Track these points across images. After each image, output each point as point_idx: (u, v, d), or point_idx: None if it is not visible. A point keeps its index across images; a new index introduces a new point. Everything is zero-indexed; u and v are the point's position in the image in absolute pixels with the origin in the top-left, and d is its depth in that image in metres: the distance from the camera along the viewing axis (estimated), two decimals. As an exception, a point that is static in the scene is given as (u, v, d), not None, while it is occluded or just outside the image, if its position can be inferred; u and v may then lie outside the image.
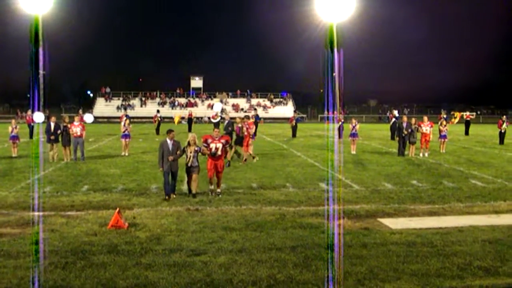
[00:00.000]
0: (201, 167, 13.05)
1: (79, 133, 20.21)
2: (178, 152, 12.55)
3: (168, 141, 12.51)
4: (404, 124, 22.63)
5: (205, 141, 12.89)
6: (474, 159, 21.48)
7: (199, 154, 12.76)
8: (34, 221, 10.21)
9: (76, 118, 21.27)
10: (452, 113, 38.54)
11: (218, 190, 13.04)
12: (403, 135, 22.47)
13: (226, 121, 21.25)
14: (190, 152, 12.55)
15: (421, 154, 22.23)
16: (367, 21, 77.06)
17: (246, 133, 20.11)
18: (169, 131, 12.74)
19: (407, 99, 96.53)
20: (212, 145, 12.84)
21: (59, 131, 20.03)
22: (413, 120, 22.90)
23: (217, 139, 12.97)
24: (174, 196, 12.60)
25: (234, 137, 20.53)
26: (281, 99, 78.75)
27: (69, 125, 20.38)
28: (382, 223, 10.34)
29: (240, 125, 20.43)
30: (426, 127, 22.65)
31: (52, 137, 19.98)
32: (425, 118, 23.37)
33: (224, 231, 9.53)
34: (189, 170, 12.70)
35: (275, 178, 15.92)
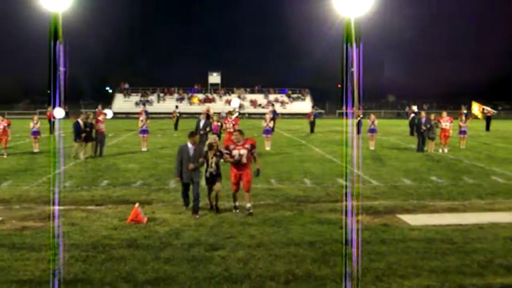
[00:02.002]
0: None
1: (103, 129, 20.44)
2: (201, 160, 10.52)
3: (190, 145, 10.51)
4: (423, 120, 22.47)
5: (226, 148, 10.78)
6: (495, 155, 21.21)
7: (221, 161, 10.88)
8: (55, 215, 10.35)
9: (101, 115, 21.36)
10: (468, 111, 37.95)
11: (248, 205, 10.59)
12: (422, 130, 22.33)
13: (203, 121, 19.52)
14: (212, 158, 10.61)
15: (440, 150, 22.01)
16: (385, 16, 76.38)
17: (231, 129, 19.21)
18: (192, 134, 10.75)
19: (426, 94, 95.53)
20: (235, 152, 10.61)
21: (87, 129, 19.96)
22: (432, 116, 22.70)
23: (240, 144, 10.70)
24: (197, 216, 10.27)
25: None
26: (299, 95, 78.51)
27: (94, 122, 20.45)
28: (401, 219, 10.28)
29: (217, 122, 19.54)
30: (446, 122, 22.40)
31: (83, 135, 19.61)
32: (444, 113, 23.15)
33: (242, 226, 9.55)
34: (210, 180, 10.72)
35: (293, 173, 15.91)
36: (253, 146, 10.82)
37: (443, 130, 22.29)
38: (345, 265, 7.48)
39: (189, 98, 75.53)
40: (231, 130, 19.30)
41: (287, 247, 8.36)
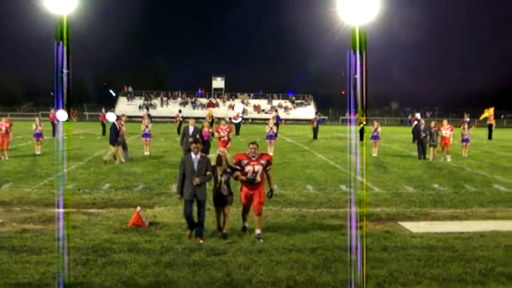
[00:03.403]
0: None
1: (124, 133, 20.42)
2: (208, 173, 8.93)
3: (193, 156, 8.90)
4: (422, 127, 22.55)
5: (238, 163, 9.14)
6: (498, 164, 21.17)
7: (232, 179, 9.29)
8: (56, 218, 10.34)
9: (123, 118, 21.07)
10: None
11: (258, 231, 9.14)
12: (421, 137, 22.41)
13: (191, 128, 17.46)
14: (221, 175, 9.06)
15: (442, 158, 21.94)
16: (389, 23, 76.46)
17: (225, 138, 18.21)
18: (196, 141, 9.36)
19: (429, 102, 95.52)
20: (248, 168, 9.07)
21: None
22: (433, 123, 22.62)
23: (254, 158, 9.15)
24: (201, 241, 8.78)
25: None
26: (303, 101, 78.55)
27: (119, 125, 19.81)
28: (403, 226, 10.25)
29: (207, 128, 17.87)
30: (446, 130, 22.25)
31: (120, 139, 19.30)
32: (445, 121, 23.07)
33: (244, 232, 9.54)
34: (218, 201, 9.17)
35: (295, 179, 15.89)
36: (268, 162, 9.26)
37: (443, 138, 22.14)
38: (347, 272, 7.45)
39: (192, 103, 75.60)
40: (225, 138, 18.25)
41: (289, 253, 8.33)
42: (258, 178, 9.11)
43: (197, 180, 8.73)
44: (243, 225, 9.62)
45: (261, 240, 8.94)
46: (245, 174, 9.09)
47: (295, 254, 8.29)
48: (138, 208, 10.05)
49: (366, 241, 9.02)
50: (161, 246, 8.52)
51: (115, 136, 18.97)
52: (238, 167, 9.13)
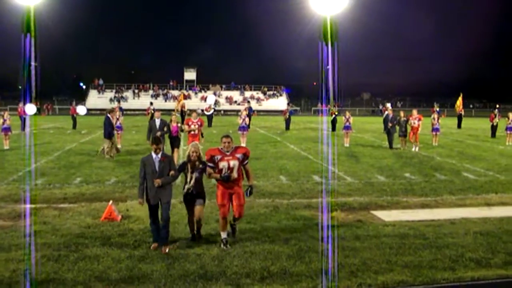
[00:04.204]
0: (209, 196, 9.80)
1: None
2: (172, 173, 8.10)
3: (154, 156, 8.08)
4: (390, 117, 22.84)
5: (211, 159, 8.20)
6: (467, 152, 21.57)
7: (204, 177, 8.53)
8: (26, 213, 10.16)
9: (117, 110, 20.67)
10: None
11: (234, 224, 8.65)
12: (388, 127, 22.70)
13: (158, 121, 16.36)
14: (191, 173, 8.32)
15: (413, 148, 22.24)
16: (360, 14, 76.98)
17: (196, 131, 16.72)
18: (156, 141, 8.26)
19: (400, 92, 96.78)
20: (223, 164, 8.15)
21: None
22: (402, 113, 22.81)
23: (229, 153, 8.23)
24: (167, 250, 7.94)
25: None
26: (275, 92, 78.66)
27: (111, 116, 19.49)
28: (375, 215, 10.37)
29: (176, 123, 16.73)
30: (414, 120, 22.48)
31: (114, 132, 19.11)
32: (414, 111, 23.31)
33: (217, 224, 9.50)
34: (189, 200, 8.44)
35: (268, 170, 15.92)
36: (245, 156, 8.36)
37: (412, 128, 22.41)
38: (321, 261, 7.51)
39: (164, 95, 75.01)
40: (196, 132, 16.77)
41: (263, 244, 8.35)
42: (235, 174, 8.15)
43: (158, 181, 7.87)
44: (222, 238, 8.22)
45: (235, 234, 8.57)
46: (220, 171, 8.13)
47: (269, 245, 8.31)
48: (111, 202, 9.95)
49: (339, 231, 9.10)
50: (134, 240, 8.46)
51: (109, 128, 18.79)
52: (211, 164, 8.18)
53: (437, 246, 8.32)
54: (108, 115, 19.19)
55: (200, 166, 8.34)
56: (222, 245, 8.08)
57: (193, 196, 8.37)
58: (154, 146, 8.09)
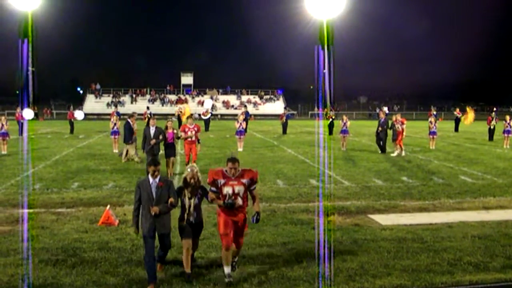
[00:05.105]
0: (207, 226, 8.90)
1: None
2: (171, 201, 6.93)
3: (151, 180, 6.92)
4: (381, 121, 22.67)
5: (213, 183, 7.13)
6: (464, 156, 21.60)
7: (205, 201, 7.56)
8: (24, 218, 10.14)
9: (135, 115, 20.65)
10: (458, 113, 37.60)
11: (233, 261, 7.43)
12: (378, 131, 22.59)
13: (153, 128, 15.16)
14: (189, 199, 7.29)
15: (395, 153, 21.50)
16: (357, 18, 77.24)
17: (193, 138, 16.09)
18: (154, 163, 7.00)
19: (397, 96, 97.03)
20: (226, 190, 7.08)
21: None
22: (394, 118, 22.59)
23: (234, 178, 7.13)
24: (162, 271, 7.31)
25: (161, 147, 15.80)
26: (272, 96, 78.73)
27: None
28: (373, 219, 10.38)
29: (172, 130, 15.75)
30: (397, 124, 21.84)
31: (134, 136, 19.06)
32: (397, 115, 22.79)
33: (215, 228, 9.50)
34: (186, 232, 7.23)
35: (265, 174, 15.92)
36: (252, 181, 7.26)
37: (397, 132, 21.76)
38: (318, 265, 7.52)
39: (161, 99, 75.01)
40: (193, 139, 16.12)
41: (260, 248, 8.36)
42: (239, 202, 7.12)
43: (155, 210, 6.77)
44: (225, 272, 7.00)
45: (235, 268, 7.38)
46: (224, 197, 7.09)
47: (266, 249, 8.32)
48: (108, 207, 9.95)
49: (336, 235, 9.11)
50: (131, 245, 8.45)
51: (129, 134, 18.80)
52: (214, 189, 7.15)
53: (435, 249, 8.33)
54: (129, 120, 19.21)
55: (200, 192, 7.36)
56: (225, 279, 6.90)
57: (192, 227, 7.26)
58: (152, 168, 6.92)
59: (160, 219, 6.88)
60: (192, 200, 7.26)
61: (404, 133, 22.44)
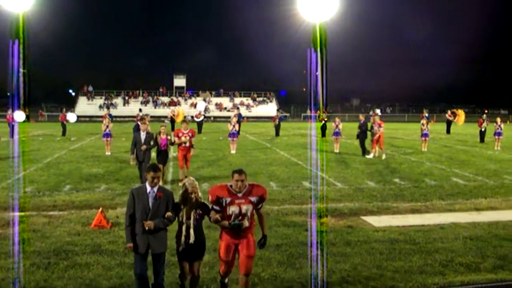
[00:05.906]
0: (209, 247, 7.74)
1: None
2: (168, 214, 6.05)
3: (148, 188, 6.03)
4: (360, 123, 22.63)
5: (216, 201, 6.15)
6: (455, 158, 21.71)
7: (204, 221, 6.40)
8: (15, 221, 10.08)
9: (148, 118, 20.35)
10: (452, 111, 37.71)
11: None
12: (357, 133, 22.58)
13: (143, 134, 13.97)
14: (187, 219, 6.18)
15: (371, 155, 21.58)
16: (349, 21, 77.54)
17: (187, 144, 15.00)
18: (151, 169, 6.06)
19: (389, 98, 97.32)
20: (232, 210, 6.13)
21: None
22: (372, 120, 22.35)
23: (241, 195, 6.16)
24: None
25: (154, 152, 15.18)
26: (265, 98, 78.79)
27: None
28: (366, 221, 10.41)
29: (166, 136, 14.75)
30: (376, 127, 21.64)
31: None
32: (376, 117, 22.55)
33: (208, 230, 9.46)
34: (184, 255, 6.26)
35: (258, 176, 15.92)
36: (261, 199, 6.30)
37: (375, 134, 21.63)
38: (311, 267, 7.52)
39: (154, 101, 74.87)
40: (187, 144, 15.07)
41: (253, 250, 8.34)
42: (246, 223, 6.20)
43: (149, 224, 5.88)
44: (222, 280, 6.63)
45: None
46: (229, 217, 6.13)
47: (259, 251, 8.29)
48: (100, 209, 9.91)
49: (329, 237, 9.13)
50: (124, 247, 8.41)
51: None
52: (217, 208, 6.15)
53: (427, 251, 8.36)
54: (138, 122, 19.10)
55: (199, 211, 6.24)
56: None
57: (192, 249, 6.22)
58: (151, 175, 5.99)
59: (155, 236, 6.00)
60: (191, 221, 6.16)
61: (382, 136, 21.92)
